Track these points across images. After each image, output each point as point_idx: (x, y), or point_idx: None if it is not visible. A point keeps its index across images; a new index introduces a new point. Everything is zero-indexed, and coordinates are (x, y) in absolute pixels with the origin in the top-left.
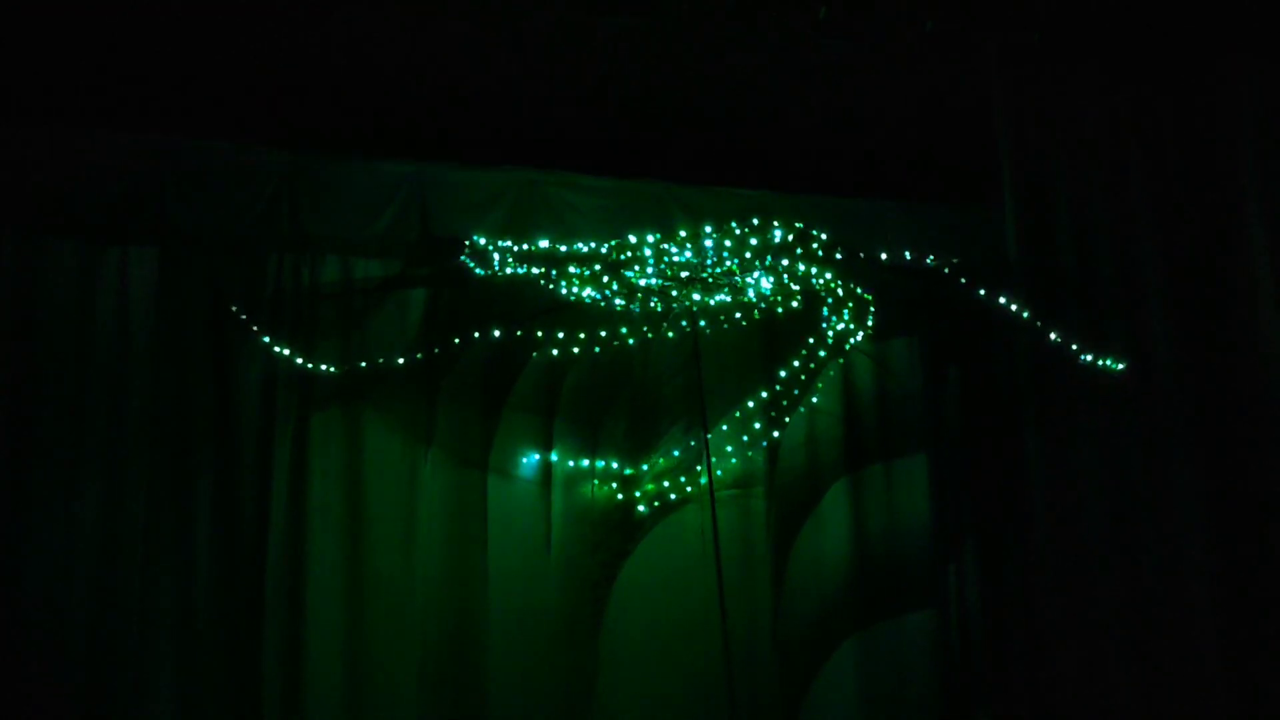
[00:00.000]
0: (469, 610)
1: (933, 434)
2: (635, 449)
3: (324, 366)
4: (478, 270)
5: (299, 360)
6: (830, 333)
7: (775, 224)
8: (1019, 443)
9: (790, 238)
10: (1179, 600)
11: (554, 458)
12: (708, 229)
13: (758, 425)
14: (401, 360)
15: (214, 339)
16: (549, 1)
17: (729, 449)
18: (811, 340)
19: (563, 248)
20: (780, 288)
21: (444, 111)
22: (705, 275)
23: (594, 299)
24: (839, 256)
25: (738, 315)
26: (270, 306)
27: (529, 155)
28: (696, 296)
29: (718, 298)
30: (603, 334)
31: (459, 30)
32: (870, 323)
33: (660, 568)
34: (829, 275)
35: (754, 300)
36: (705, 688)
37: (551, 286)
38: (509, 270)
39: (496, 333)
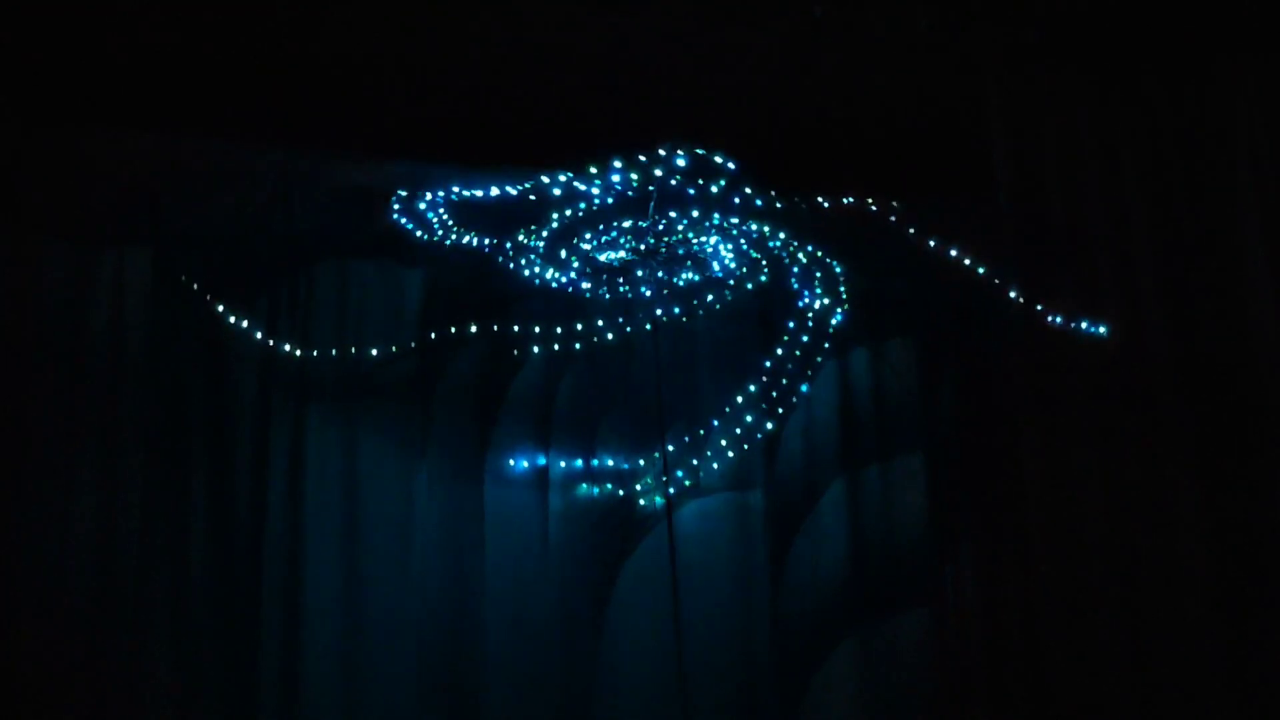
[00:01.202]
0: (466, 615)
1: (930, 433)
2: (633, 447)
3: (319, 368)
4: (418, 233)
5: (295, 361)
6: (809, 314)
7: (680, 152)
8: (1016, 442)
9: (687, 163)
10: (1177, 600)
11: (550, 460)
12: (616, 162)
13: (750, 419)
14: (397, 352)
15: (209, 340)
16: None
17: (723, 443)
18: (792, 324)
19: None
20: (741, 256)
21: (441, 110)
22: (660, 246)
23: (560, 281)
24: (778, 204)
25: (710, 298)
26: (266, 308)
27: (529, 156)
28: (662, 275)
29: (684, 275)
30: (579, 327)
31: (456, 28)
32: (844, 295)
33: (662, 570)
34: (783, 236)
35: (720, 276)
36: (708, 693)
37: (511, 266)
38: (452, 235)
39: (476, 328)
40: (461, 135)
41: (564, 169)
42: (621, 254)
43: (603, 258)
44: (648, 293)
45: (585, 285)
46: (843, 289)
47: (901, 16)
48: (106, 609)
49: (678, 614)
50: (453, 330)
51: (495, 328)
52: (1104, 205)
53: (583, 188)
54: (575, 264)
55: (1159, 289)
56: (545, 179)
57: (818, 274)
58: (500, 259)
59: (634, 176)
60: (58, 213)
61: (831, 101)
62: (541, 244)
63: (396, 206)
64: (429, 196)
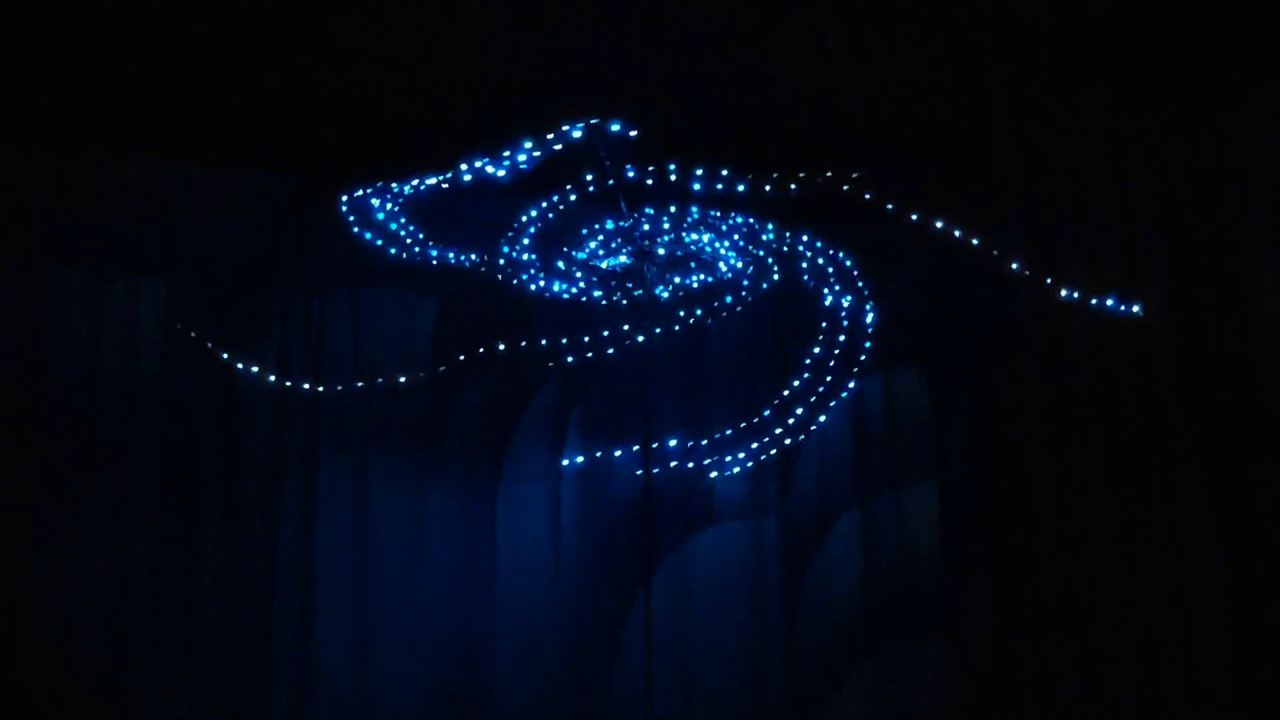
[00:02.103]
0: (478, 641)
1: (942, 461)
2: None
3: (332, 395)
4: (367, 235)
5: (307, 388)
6: (840, 312)
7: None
8: (1028, 470)
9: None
10: (1190, 627)
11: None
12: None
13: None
14: (408, 381)
15: (221, 368)
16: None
17: (742, 456)
18: (824, 324)
19: None
20: (741, 253)
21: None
22: (654, 247)
23: (570, 293)
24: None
25: (729, 300)
26: (279, 335)
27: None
28: (670, 278)
29: (692, 277)
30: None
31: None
32: (865, 289)
33: (680, 594)
34: (771, 226)
35: (729, 276)
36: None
37: (514, 281)
38: (432, 252)
39: (487, 354)
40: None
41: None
42: (621, 258)
43: (604, 265)
44: (664, 294)
45: (597, 294)
46: (861, 283)
47: (912, 43)
48: (119, 638)
49: (648, 630)
50: (463, 358)
51: (506, 353)
52: (1114, 223)
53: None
54: (578, 274)
55: (1170, 311)
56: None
57: (829, 269)
58: (500, 275)
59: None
60: (71, 242)
61: (839, 129)
62: (526, 255)
63: (351, 219)
64: (376, 203)
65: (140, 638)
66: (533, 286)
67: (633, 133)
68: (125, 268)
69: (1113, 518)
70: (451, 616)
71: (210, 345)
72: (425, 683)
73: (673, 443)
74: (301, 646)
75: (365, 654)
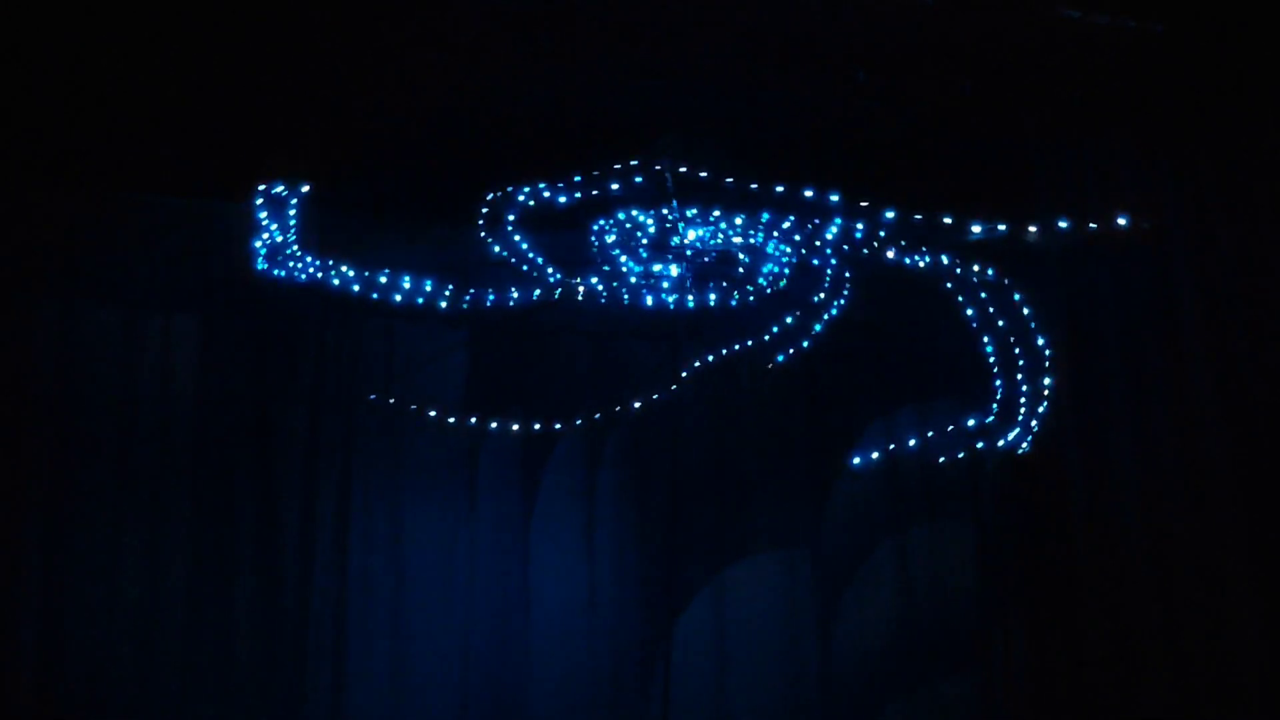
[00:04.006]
0: (511, 673)
1: (977, 494)
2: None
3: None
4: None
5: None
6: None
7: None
8: (1065, 503)
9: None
10: (1229, 662)
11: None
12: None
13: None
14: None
15: (255, 401)
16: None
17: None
18: None
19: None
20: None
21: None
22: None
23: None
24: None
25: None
26: (312, 368)
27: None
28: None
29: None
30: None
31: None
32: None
33: (714, 626)
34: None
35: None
36: None
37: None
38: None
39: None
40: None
41: None
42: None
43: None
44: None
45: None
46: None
47: (944, 81)
48: (151, 669)
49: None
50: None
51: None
52: (1150, 262)
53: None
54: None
55: (1206, 349)
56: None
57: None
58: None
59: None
60: (108, 277)
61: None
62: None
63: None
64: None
65: (174, 671)
66: (627, 297)
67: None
68: (160, 303)
69: (1152, 549)
70: (485, 648)
71: (244, 378)
72: (459, 715)
73: None
74: (336, 678)
75: (399, 686)
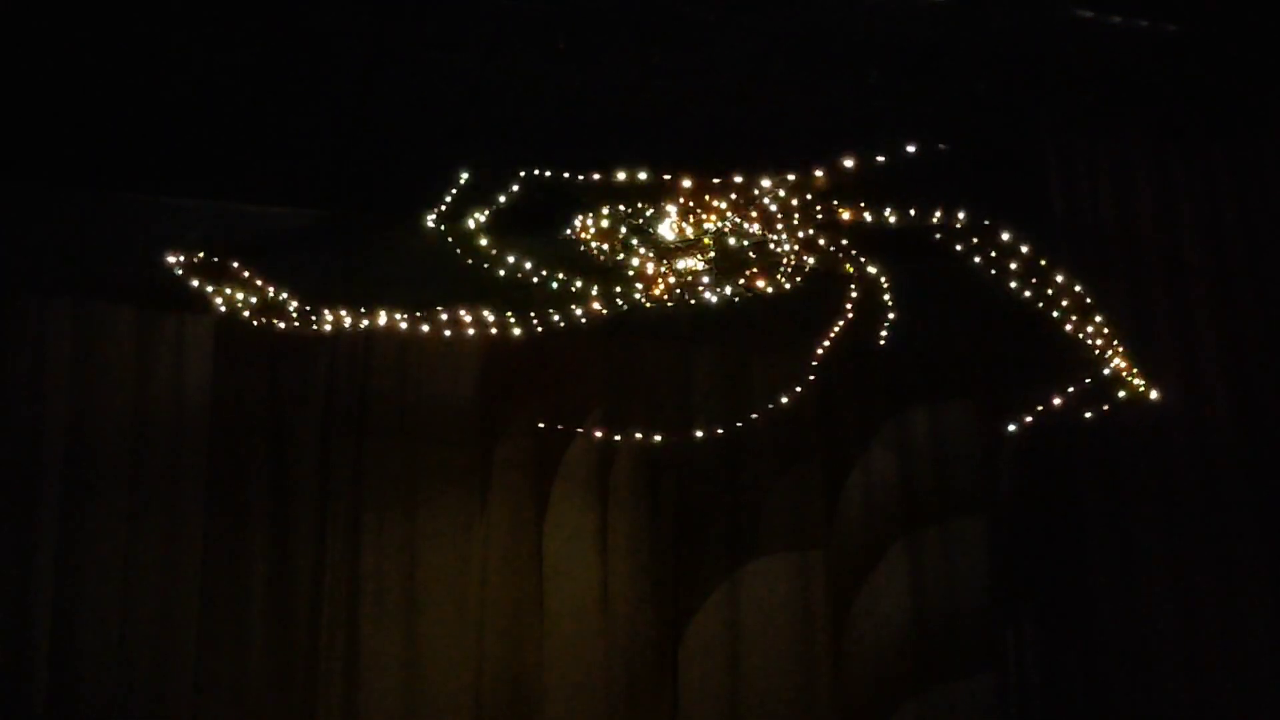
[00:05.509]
0: (525, 674)
1: (991, 494)
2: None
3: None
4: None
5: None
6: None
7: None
8: (1078, 503)
9: None
10: (1244, 664)
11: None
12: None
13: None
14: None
15: (269, 403)
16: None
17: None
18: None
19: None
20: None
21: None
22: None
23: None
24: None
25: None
26: (327, 369)
27: None
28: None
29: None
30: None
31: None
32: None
33: (726, 627)
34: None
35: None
36: None
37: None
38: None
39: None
40: None
41: None
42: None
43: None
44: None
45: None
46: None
47: (956, 81)
48: (165, 676)
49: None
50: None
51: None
52: (1162, 266)
53: None
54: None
55: (1219, 351)
56: None
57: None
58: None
59: None
60: (121, 278)
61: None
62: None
63: None
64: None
65: (187, 674)
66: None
67: None
68: (174, 305)
69: (1164, 551)
70: (499, 649)
71: (258, 380)
72: (474, 717)
73: None
74: (349, 681)
75: (413, 689)
